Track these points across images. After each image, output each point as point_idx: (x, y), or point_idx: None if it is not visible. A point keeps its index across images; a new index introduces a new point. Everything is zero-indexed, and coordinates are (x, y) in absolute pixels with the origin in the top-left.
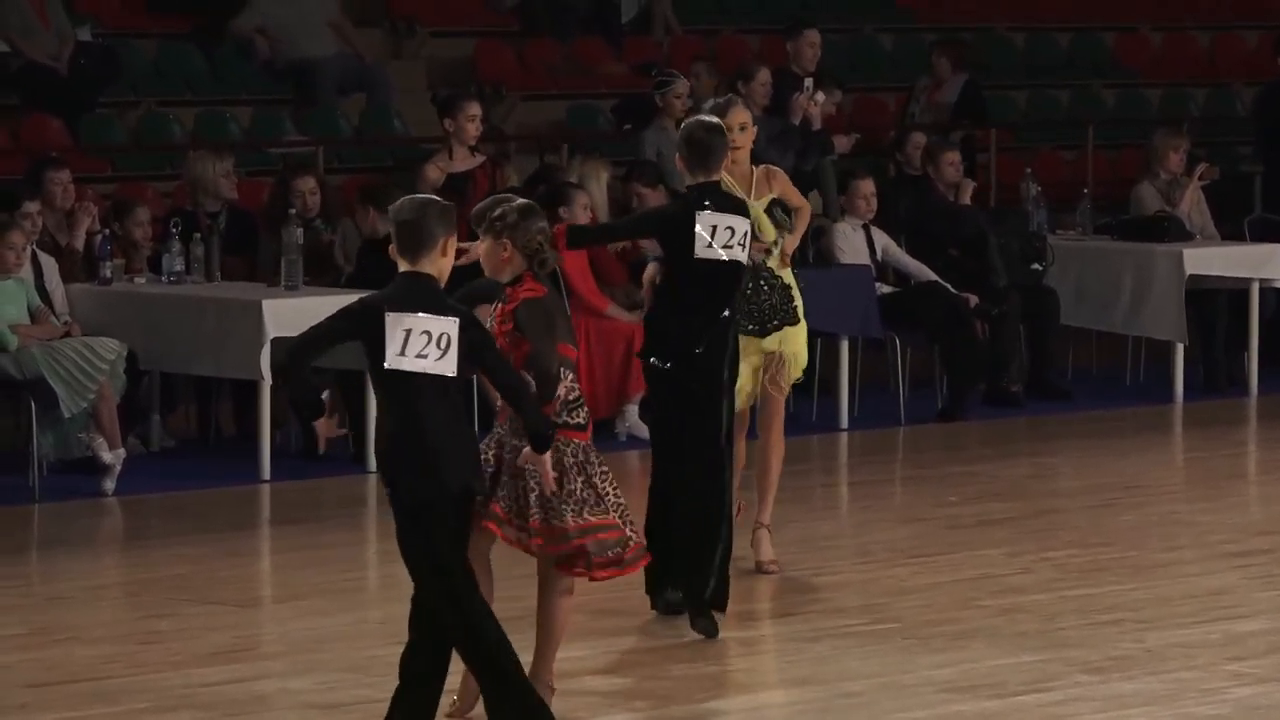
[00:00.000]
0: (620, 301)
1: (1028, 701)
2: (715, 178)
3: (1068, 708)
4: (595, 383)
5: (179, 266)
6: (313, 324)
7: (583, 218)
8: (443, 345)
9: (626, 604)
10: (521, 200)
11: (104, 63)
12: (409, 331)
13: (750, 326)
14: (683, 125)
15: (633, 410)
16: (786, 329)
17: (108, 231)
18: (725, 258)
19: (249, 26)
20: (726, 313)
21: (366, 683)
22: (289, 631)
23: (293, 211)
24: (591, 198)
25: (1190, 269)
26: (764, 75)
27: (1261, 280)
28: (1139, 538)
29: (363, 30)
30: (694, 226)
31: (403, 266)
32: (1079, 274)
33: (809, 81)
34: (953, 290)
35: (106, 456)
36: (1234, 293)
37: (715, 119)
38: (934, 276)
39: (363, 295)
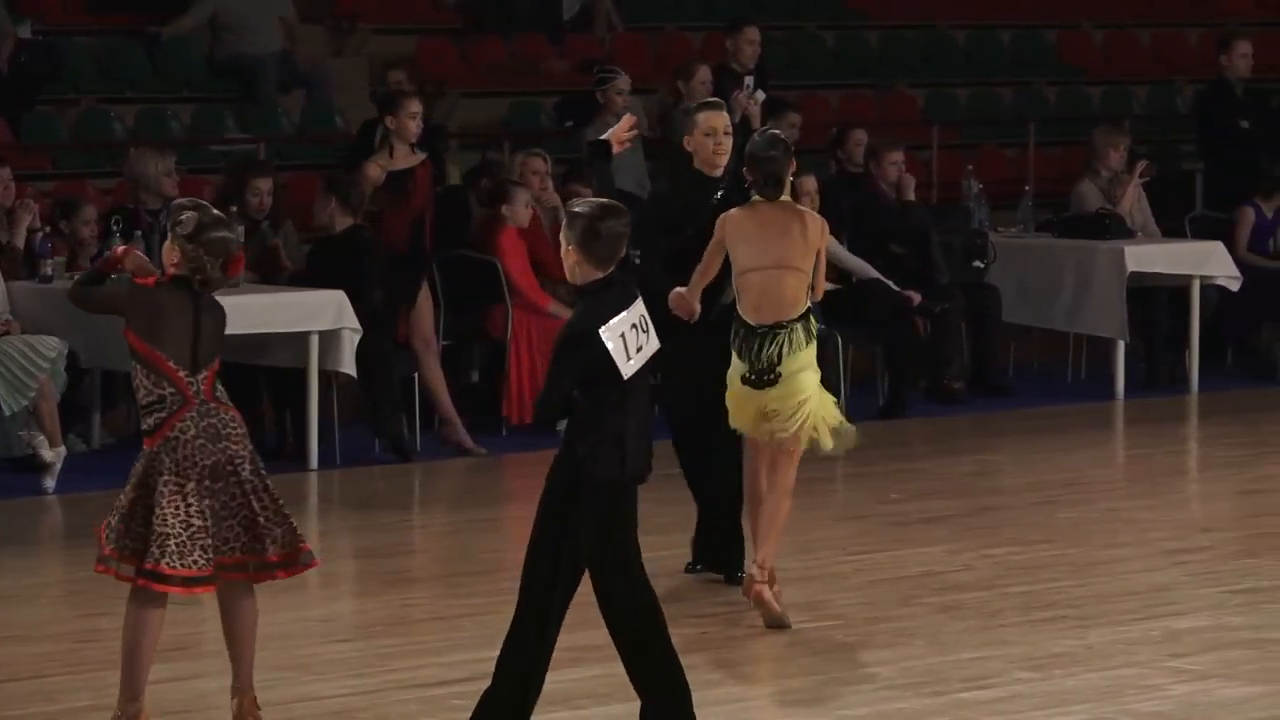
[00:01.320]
0: (561, 298)
1: (968, 699)
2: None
3: (1009, 704)
4: (537, 380)
5: None
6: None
7: (523, 215)
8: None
9: None
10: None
11: (44, 60)
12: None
13: (750, 377)
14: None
15: None
16: (801, 375)
17: (48, 229)
18: None
19: (197, 21)
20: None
21: (306, 680)
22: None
23: (234, 209)
24: (533, 194)
25: (1131, 266)
26: (704, 73)
27: (1202, 277)
28: (1080, 535)
29: (305, 26)
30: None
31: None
32: (1020, 271)
33: (749, 79)
34: (895, 288)
35: (47, 454)
36: (1175, 290)
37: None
38: (876, 274)
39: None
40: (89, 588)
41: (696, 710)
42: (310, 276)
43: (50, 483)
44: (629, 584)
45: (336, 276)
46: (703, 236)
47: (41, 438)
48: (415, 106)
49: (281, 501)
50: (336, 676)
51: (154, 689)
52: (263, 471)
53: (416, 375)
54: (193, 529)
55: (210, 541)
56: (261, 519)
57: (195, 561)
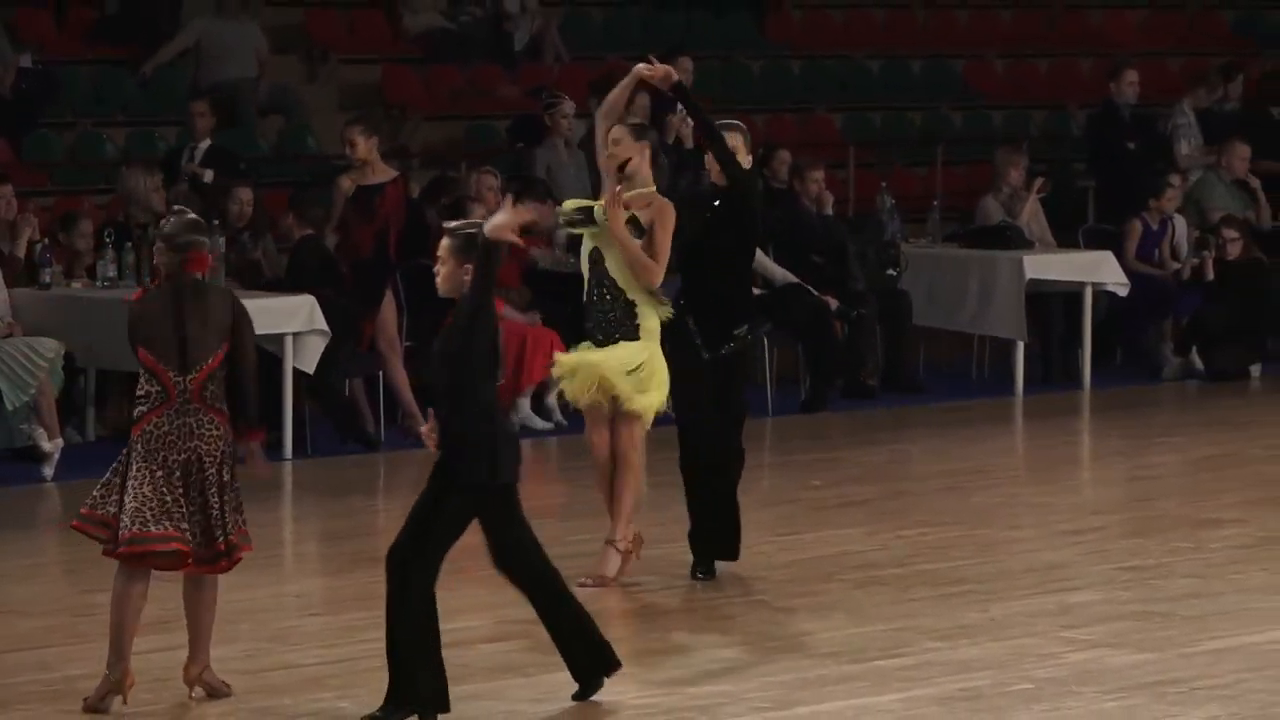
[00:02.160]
0: (513, 303)
1: (884, 666)
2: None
3: (920, 671)
4: None
5: (112, 273)
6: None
7: None
8: None
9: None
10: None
11: (43, 87)
12: None
13: (599, 336)
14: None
15: (524, 403)
16: (623, 343)
17: (47, 241)
18: None
19: (177, 50)
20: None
21: (284, 650)
22: None
23: (216, 222)
24: (487, 210)
25: (1030, 274)
26: (643, 99)
27: (1094, 283)
28: (984, 517)
29: (280, 56)
30: None
31: None
32: (929, 278)
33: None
34: (815, 293)
35: (46, 446)
36: (1069, 295)
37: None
38: (797, 280)
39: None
40: (85, 567)
41: (631, 675)
42: (295, 276)
43: (49, 471)
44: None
45: (315, 278)
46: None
47: (41, 430)
48: (353, 135)
49: (240, 501)
50: (310, 647)
51: (145, 658)
52: (232, 472)
53: (382, 374)
54: (165, 503)
55: (182, 516)
56: (214, 514)
57: (166, 528)
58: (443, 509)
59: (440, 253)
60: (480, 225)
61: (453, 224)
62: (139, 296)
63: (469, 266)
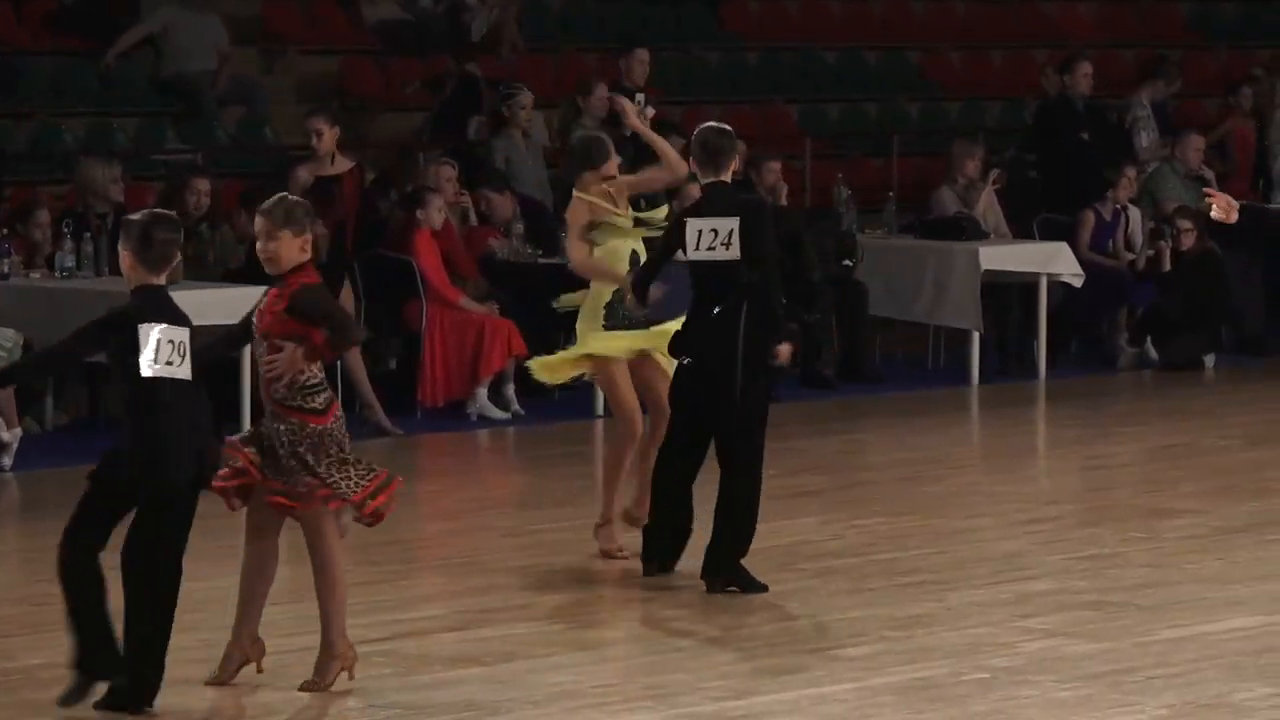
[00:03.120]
0: (470, 294)
1: (840, 655)
2: (724, 177)
3: (876, 660)
4: (449, 368)
5: (70, 263)
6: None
7: (437, 219)
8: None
9: (479, 564)
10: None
11: (2, 77)
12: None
13: (626, 324)
14: (697, 130)
15: (482, 393)
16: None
17: (5, 231)
18: (710, 259)
19: (134, 39)
20: (717, 309)
21: None
22: None
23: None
24: (445, 200)
25: (985, 264)
26: (601, 90)
27: (1049, 274)
28: (940, 507)
29: (238, 48)
30: (684, 231)
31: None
32: (886, 269)
33: (640, 96)
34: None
35: (4, 435)
36: (1024, 286)
37: (726, 126)
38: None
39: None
40: (44, 556)
41: (594, 666)
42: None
43: (7, 461)
44: None
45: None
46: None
47: None
48: (318, 124)
49: None
50: (269, 637)
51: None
52: None
53: (340, 364)
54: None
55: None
56: None
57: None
58: None
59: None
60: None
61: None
62: (312, 280)
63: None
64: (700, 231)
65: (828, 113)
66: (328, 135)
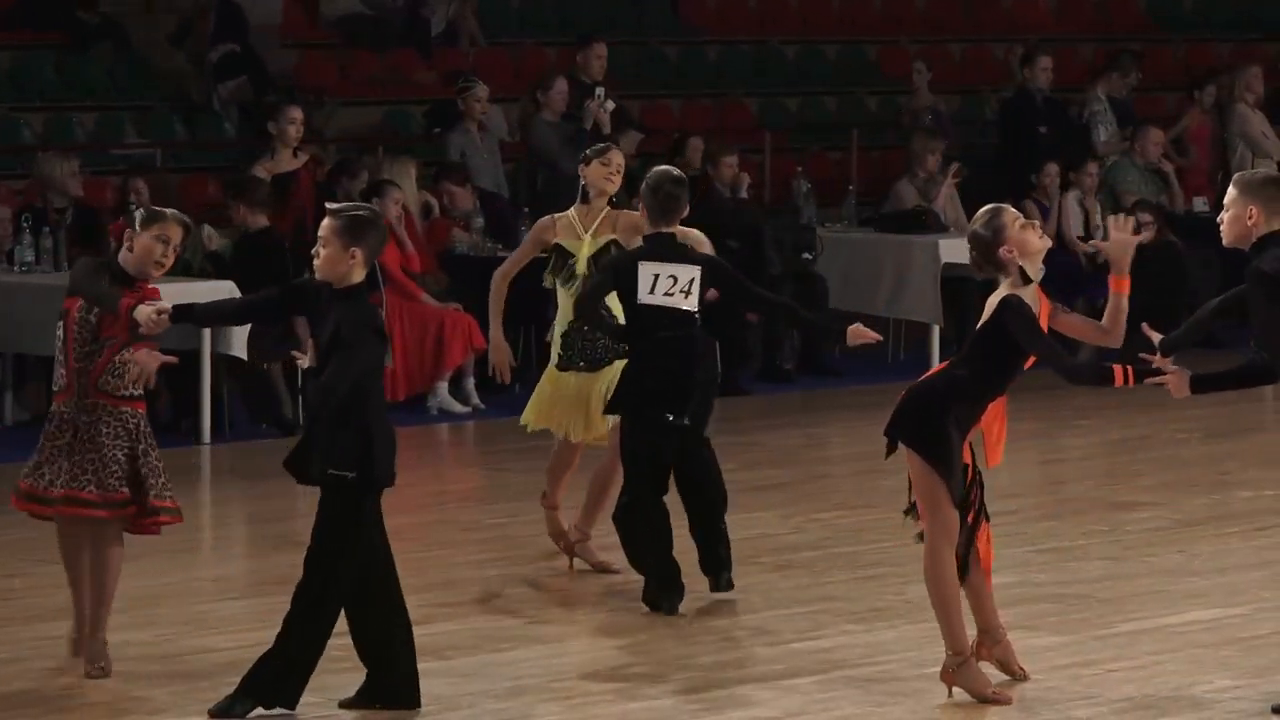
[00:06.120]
0: (430, 289)
1: (800, 649)
2: (672, 229)
3: (836, 654)
4: (409, 362)
5: (29, 257)
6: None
7: (394, 211)
8: None
9: (439, 558)
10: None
11: None
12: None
13: (581, 364)
14: (650, 174)
15: (443, 387)
16: (617, 363)
17: None
18: (666, 304)
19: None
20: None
21: (199, 634)
22: (129, 589)
23: (133, 206)
24: (404, 193)
25: (945, 258)
26: (561, 85)
27: None
28: (901, 500)
29: None
30: (637, 274)
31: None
32: (845, 262)
33: (600, 90)
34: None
35: None
36: (983, 279)
37: (680, 172)
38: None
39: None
40: (2, 551)
41: (557, 659)
42: (242, 270)
43: None
44: None
45: (268, 271)
46: None
47: None
48: (295, 113)
49: None
50: (230, 631)
51: (61, 642)
52: None
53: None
54: None
55: None
56: None
57: None
58: None
59: (322, 233)
60: (369, 209)
61: (336, 205)
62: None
63: (355, 250)
64: (657, 276)
65: (786, 106)
66: (298, 126)
